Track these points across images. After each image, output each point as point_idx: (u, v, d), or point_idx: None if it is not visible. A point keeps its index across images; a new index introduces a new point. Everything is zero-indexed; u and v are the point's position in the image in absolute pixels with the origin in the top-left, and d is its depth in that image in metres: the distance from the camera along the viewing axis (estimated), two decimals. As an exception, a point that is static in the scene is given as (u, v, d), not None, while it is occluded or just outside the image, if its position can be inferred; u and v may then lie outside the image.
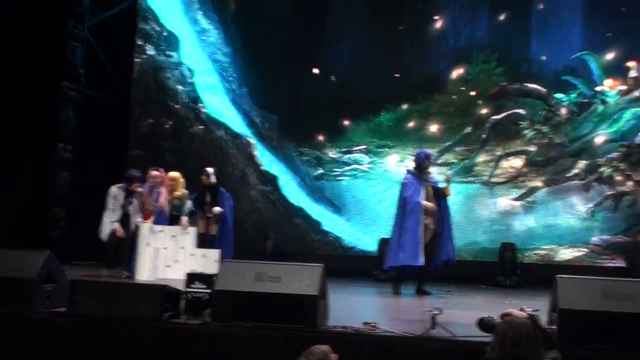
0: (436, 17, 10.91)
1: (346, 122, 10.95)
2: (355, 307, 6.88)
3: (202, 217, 8.76)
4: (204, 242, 8.55)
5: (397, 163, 10.65)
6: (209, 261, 7.93)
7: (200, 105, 11.41)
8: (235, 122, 11.31)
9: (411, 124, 10.86)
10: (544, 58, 10.60)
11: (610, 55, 10.46)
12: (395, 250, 7.96)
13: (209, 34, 11.50)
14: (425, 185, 7.97)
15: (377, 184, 10.74)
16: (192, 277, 5.53)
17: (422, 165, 8.03)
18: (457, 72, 10.78)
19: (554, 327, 4.68)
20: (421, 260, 7.74)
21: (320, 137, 11.03)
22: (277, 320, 5.00)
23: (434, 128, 10.83)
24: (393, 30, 10.89)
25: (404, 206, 7.93)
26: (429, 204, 7.87)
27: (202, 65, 11.46)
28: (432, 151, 10.59)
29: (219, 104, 11.38)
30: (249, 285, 5.17)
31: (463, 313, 5.68)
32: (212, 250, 8.19)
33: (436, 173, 10.25)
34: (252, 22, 11.22)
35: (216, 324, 5.09)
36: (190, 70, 11.48)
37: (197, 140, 11.35)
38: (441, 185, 8.16)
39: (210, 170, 8.79)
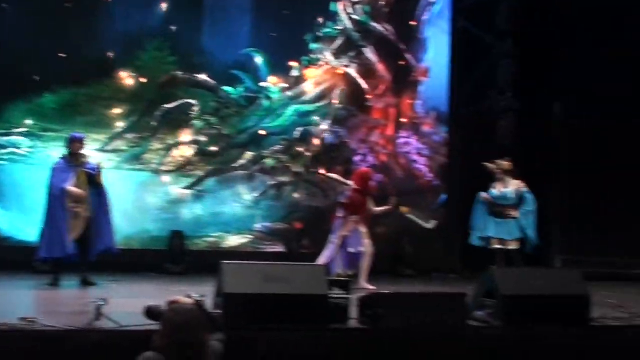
0: (107, -1, 10.56)
1: (2, 102, 10.00)
2: (11, 302, 6.35)
3: None
4: None
5: (62, 148, 10.06)
6: None
7: None
8: None
9: (79, 108, 10.33)
10: (214, 51, 10.90)
11: (274, 54, 11.15)
12: (45, 239, 7.55)
13: None
14: (78, 170, 7.63)
15: (38, 169, 9.94)
16: None
17: (71, 150, 7.69)
18: (128, 58, 10.56)
19: (219, 311, 4.82)
20: (69, 250, 7.44)
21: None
22: None
23: (103, 113, 10.44)
24: (60, 6, 10.22)
25: (50, 193, 7.54)
26: (76, 190, 7.53)
27: None
28: (101, 137, 10.32)
29: None
30: None
31: (131, 302, 5.57)
32: None
33: (104, 160, 9.97)
34: None
35: None
36: None
37: None
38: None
39: None
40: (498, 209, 8.18)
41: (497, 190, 8.22)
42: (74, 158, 7.65)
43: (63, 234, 7.43)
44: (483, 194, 8.25)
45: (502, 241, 8.10)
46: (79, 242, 7.64)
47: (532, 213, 8.12)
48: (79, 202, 7.54)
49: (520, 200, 8.17)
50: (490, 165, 8.33)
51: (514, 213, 8.12)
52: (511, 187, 8.20)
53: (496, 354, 4.97)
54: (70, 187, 7.50)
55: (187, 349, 3.62)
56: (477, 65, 11.48)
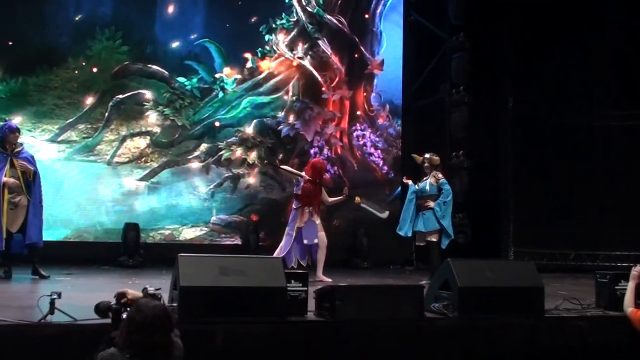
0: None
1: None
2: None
3: None
4: None
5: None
6: None
7: None
8: None
9: (28, 98, 10.10)
10: (167, 41, 10.77)
11: (229, 45, 11.06)
12: None
13: None
14: (14, 160, 7.45)
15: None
16: None
17: (5, 140, 7.50)
18: (79, 47, 10.35)
19: (175, 304, 4.76)
20: (3, 243, 7.26)
21: None
22: None
23: (53, 103, 10.23)
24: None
25: None
26: (12, 181, 7.36)
27: None
28: (52, 128, 10.10)
29: None
30: None
31: (85, 296, 5.45)
32: None
33: (55, 150, 9.78)
34: None
35: None
36: None
37: None
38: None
39: None
40: (418, 201, 8.11)
41: (418, 184, 8.17)
42: (8, 148, 7.46)
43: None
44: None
45: (422, 233, 8.03)
46: (22, 232, 7.46)
47: (448, 204, 8.01)
48: (16, 191, 7.37)
49: (440, 191, 8.10)
50: (418, 158, 8.28)
51: (431, 204, 8.03)
52: (431, 179, 8.11)
53: (453, 345, 5.03)
54: (5, 178, 7.32)
55: (151, 348, 3.52)
56: (430, 58, 11.57)
